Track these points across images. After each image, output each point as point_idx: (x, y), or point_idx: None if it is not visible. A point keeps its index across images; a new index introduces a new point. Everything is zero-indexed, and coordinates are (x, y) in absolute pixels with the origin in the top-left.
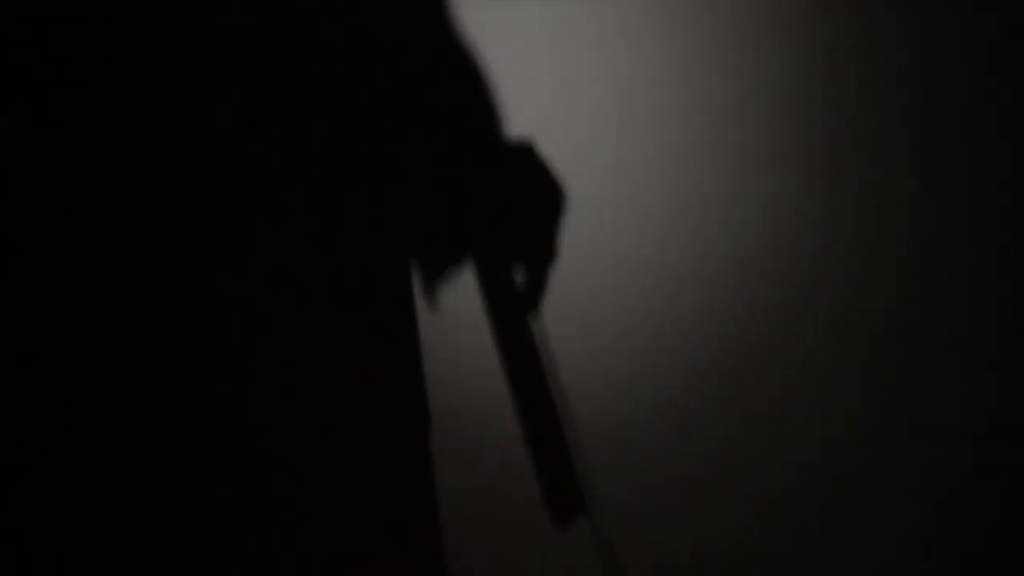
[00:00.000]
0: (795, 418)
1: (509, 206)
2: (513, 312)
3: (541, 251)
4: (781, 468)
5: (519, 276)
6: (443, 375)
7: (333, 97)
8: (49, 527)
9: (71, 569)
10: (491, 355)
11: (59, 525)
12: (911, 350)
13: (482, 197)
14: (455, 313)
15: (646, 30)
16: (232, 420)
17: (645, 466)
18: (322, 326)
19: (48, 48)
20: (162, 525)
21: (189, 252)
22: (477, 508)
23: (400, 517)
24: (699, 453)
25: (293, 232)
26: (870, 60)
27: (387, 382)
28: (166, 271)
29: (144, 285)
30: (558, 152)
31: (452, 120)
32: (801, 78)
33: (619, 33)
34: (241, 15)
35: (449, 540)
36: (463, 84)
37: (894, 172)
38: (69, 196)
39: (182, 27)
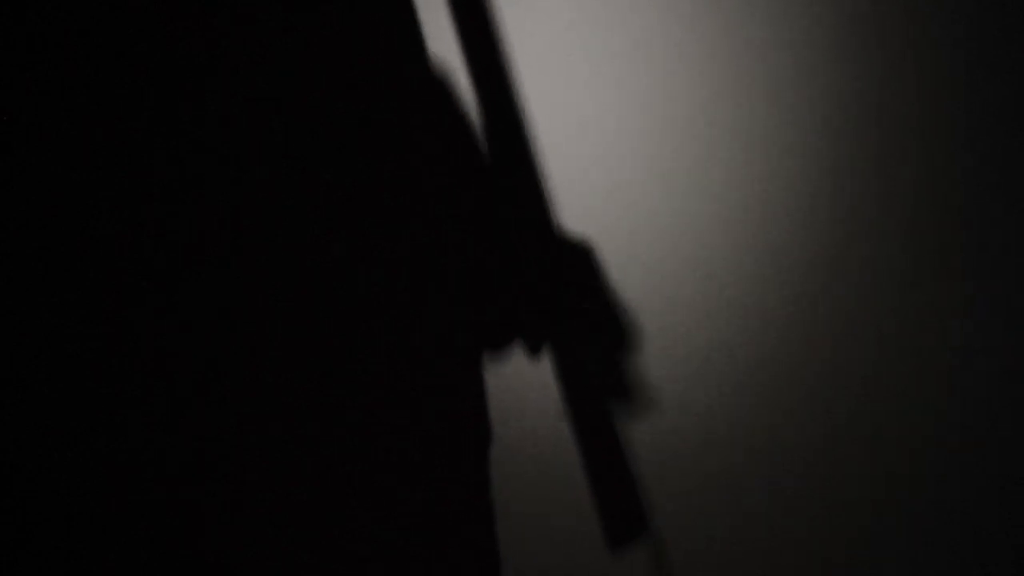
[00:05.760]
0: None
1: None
2: (573, 337)
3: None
4: (842, 491)
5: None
6: (500, 393)
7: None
8: (77, 524)
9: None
10: (548, 375)
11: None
12: (943, 352)
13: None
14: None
15: (655, 32)
16: (294, 430)
17: (701, 488)
18: (389, 343)
19: (47, 48)
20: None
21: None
22: (531, 527)
23: (459, 532)
24: (761, 474)
25: (361, 249)
26: (881, 61)
27: (450, 399)
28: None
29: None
30: (562, 155)
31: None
32: (822, 74)
33: (628, 35)
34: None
35: (505, 558)
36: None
37: (907, 171)
38: (74, 196)
39: (181, 27)
